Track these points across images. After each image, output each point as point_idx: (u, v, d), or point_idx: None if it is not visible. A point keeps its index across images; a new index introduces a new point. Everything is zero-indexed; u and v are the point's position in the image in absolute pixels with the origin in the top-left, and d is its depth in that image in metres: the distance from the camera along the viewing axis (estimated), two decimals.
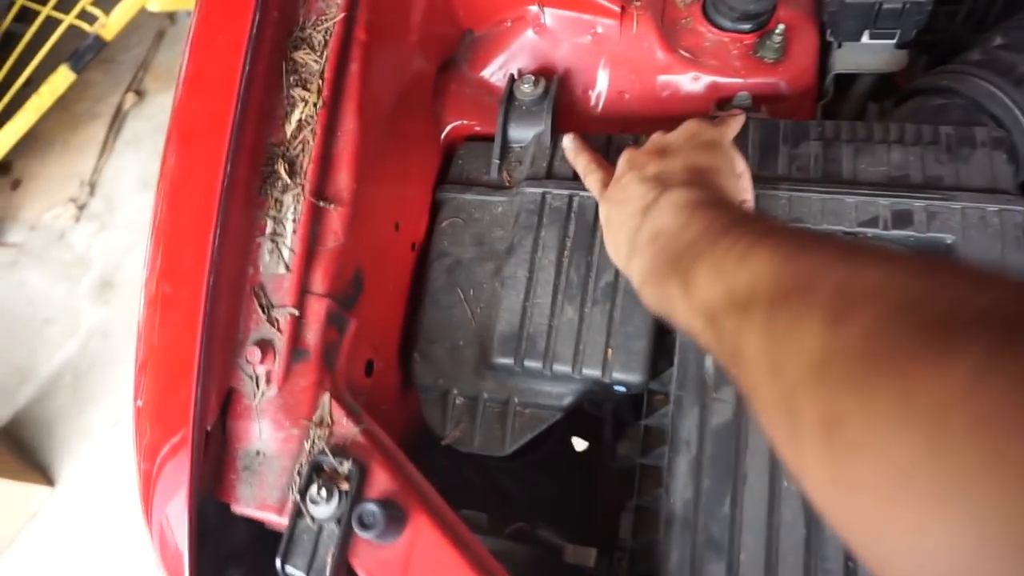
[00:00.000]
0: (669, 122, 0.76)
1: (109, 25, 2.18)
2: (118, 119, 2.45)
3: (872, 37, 0.78)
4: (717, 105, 0.79)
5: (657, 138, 0.64)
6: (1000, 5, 0.93)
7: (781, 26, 0.79)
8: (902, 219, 0.63)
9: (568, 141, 0.72)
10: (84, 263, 2.22)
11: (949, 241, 0.62)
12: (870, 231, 0.64)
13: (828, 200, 0.65)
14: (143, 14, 2.22)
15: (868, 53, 0.80)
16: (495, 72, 0.83)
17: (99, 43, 2.17)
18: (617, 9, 0.78)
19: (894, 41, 0.79)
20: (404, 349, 0.73)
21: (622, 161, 0.63)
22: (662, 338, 0.66)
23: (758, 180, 0.67)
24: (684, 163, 0.58)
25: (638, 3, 0.79)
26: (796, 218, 0.65)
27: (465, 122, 0.81)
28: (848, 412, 0.28)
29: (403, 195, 0.73)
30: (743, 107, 0.77)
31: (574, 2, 0.78)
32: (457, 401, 0.70)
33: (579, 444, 0.94)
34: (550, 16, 0.80)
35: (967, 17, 0.93)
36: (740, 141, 0.70)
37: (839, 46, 0.81)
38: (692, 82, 0.81)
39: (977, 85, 0.69)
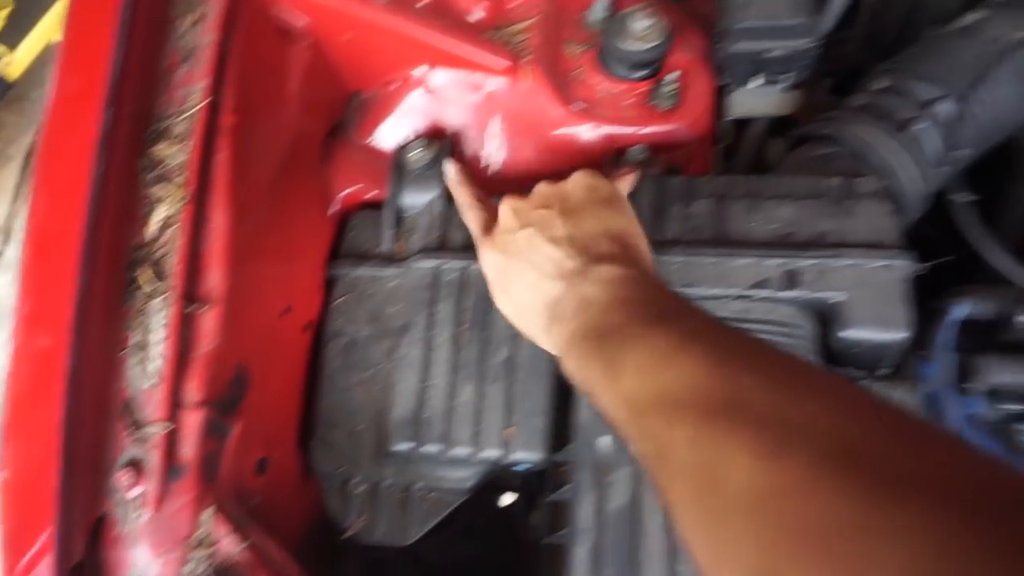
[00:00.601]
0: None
1: (15, 62, 2.09)
2: (32, 161, 2.35)
3: (759, 83, 0.78)
4: (614, 157, 0.78)
5: (547, 189, 0.62)
6: (894, 33, 0.94)
7: (673, 74, 0.78)
8: (792, 279, 0.63)
9: (451, 170, 0.71)
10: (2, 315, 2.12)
11: (838, 300, 0.62)
12: (762, 293, 0.63)
13: (720, 263, 0.64)
14: (53, 48, 2.14)
15: (761, 97, 0.80)
16: (386, 135, 0.80)
17: (4, 84, 2.08)
18: (506, 65, 0.76)
19: (786, 84, 0.79)
20: (304, 436, 0.71)
21: (507, 209, 0.61)
22: (563, 411, 0.64)
23: (652, 244, 0.66)
24: (600, 227, 0.56)
25: (527, 58, 0.77)
26: (689, 283, 0.64)
27: (359, 188, 0.79)
28: (784, 569, 0.27)
29: (291, 276, 0.70)
30: (638, 161, 0.76)
31: (461, 61, 0.76)
32: (358, 489, 0.68)
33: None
34: (438, 76, 0.77)
35: (864, 45, 0.94)
36: (634, 202, 0.69)
37: (732, 91, 0.81)
38: (588, 134, 0.79)
39: (858, 134, 0.69)
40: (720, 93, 0.82)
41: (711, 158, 0.82)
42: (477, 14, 0.78)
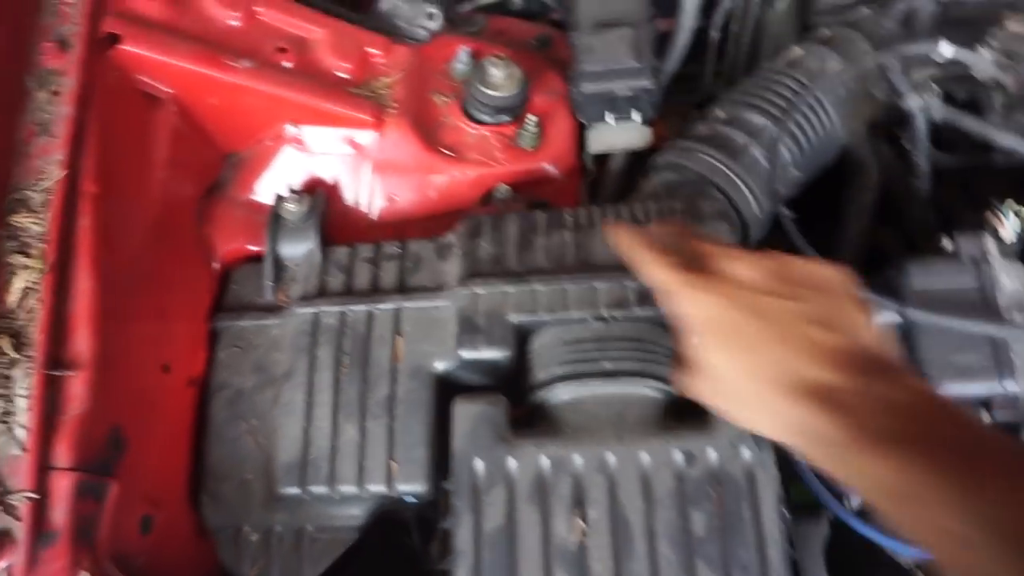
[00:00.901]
0: (444, 220, 0.80)
1: None
2: None
3: (616, 119, 0.84)
4: (482, 199, 0.82)
5: (799, 268, 0.52)
6: (743, 67, 1.03)
7: (532, 117, 0.83)
8: (646, 298, 0.68)
9: (617, 235, 0.62)
10: None
11: None
12: (619, 313, 0.68)
13: (583, 288, 0.69)
14: None
15: (616, 132, 0.86)
16: (264, 191, 0.82)
17: None
18: (371, 119, 0.80)
19: (639, 120, 0.85)
20: (194, 491, 0.71)
21: (762, 266, 0.52)
22: (443, 442, 0.67)
23: (515, 276, 0.70)
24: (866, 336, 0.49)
25: (393, 109, 0.81)
26: (554, 309, 0.68)
27: (240, 243, 0.80)
28: None
29: (170, 334, 0.71)
30: (503, 199, 0.81)
31: (327, 117, 0.79)
32: (252, 538, 0.69)
33: None
34: (307, 133, 0.81)
35: (717, 78, 1.02)
36: (500, 234, 0.73)
37: (591, 128, 0.87)
38: (459, 177, 0.84)
39: (701, 160, 0.76)
40: (581, 130, 0.88)
41: (578, 192, 0.87)
42: (343, 72, 0.82)
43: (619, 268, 0.70)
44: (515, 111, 0.85)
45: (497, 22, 0.99)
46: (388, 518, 0.72)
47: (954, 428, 0.41)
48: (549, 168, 0.86)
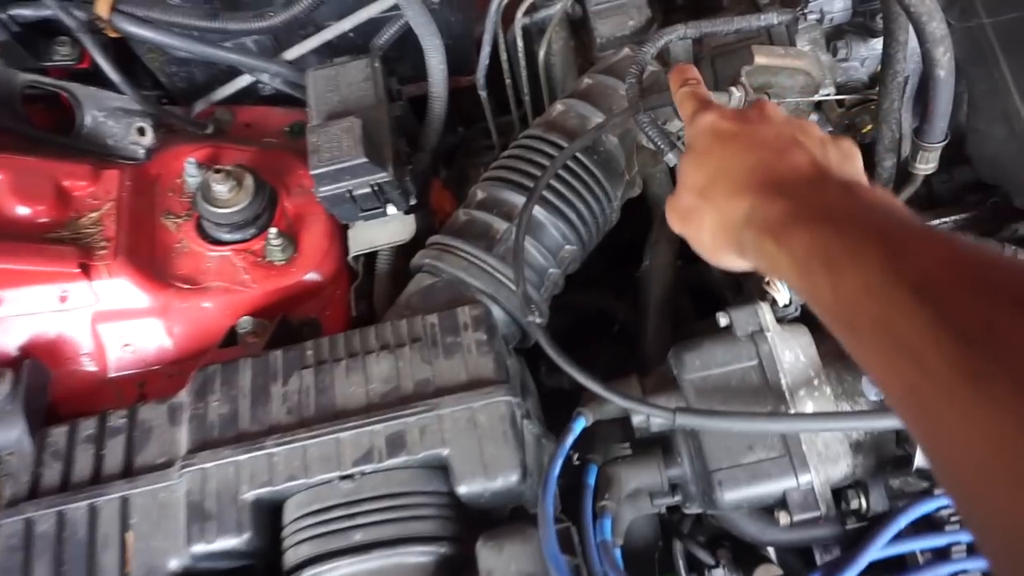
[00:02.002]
0: (193, 363, 0.69)
1: None
2: None
3: (365, 218, 0.74)
4: (224, 338, 0.71)
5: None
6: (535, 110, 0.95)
7: (272, 229, 0.73)
8: (396, 444, 0.58)
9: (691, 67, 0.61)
10: None
11: (445, 454, 0.58)
12: (368, 468, 0.58)
13: (324, 443, 0.59)
14: None
15: (374, 229, 0.77)
16: None
17: None
18: (74, 268, 0.68)
19: (396, 212, 0.76)
20: None
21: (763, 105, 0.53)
22: None
23: (249, 439, 0.60)
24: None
25: (103, 249, 0.70)
26: (293, 476, 0.58)
27: None
28: None
29: None
30: (246, 333, 0.70)
31: (21, 277, 0.67)
32: None
33: None
34: (7, 296, 0.68)
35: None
36: (232, 388, 0.63)
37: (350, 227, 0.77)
38: (202, 310, 0.73)
39: (457, 259, 0.67)
40: (344, 231, 0.79)
41: (346, 300, 0.78)
42: (36, 216, 0.70)
43: (365, 411, 0.60)
44: (258, 223, 0.75)
45: (245, 113, 0.88)
46: None
47: (884, 210, 0.40)
48: (311, 278, 0.76)
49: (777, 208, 0.43)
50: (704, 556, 0.69)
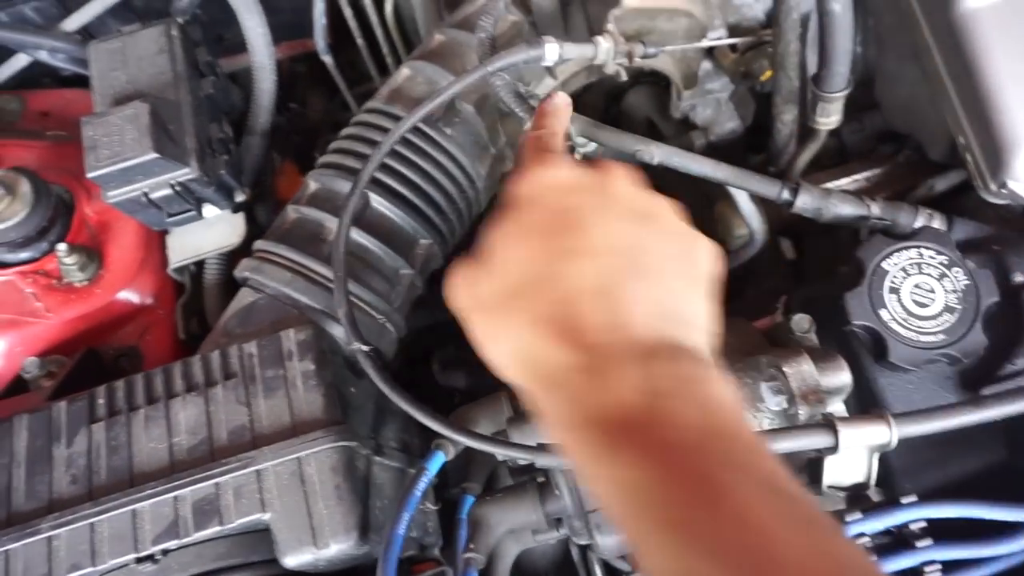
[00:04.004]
0: None
1: None
2: None
3: (177, 223, 0.61)
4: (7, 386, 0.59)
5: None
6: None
7: (62, 246, 0.60)
8: (206, 513, 0.47)
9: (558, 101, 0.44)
10: None
11: (265, 518, 0.47)
12: (173, 544, 0.47)
13: (113, 520, 0.47)
14: None
15: (199, 233, 0.64)
16: None
17: None
18: None
19: (219, 212, 0.63)
20: None
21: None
22: None
23: (24, 520, 0.48)
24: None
25: None
26: (74, 564, 0.47)
27: None
28: None
29: None
30: (34, 378, 0.57)
31: None
32: None
33: None
34: None
35: None
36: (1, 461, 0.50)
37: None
38: None
39: (278, 271, 0.55)
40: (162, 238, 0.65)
41: (171, 321, 0.65)
42: None
43: (168, 472, 0.49)
44: (49, 237, 0.61)
45: (39, 99, 0.73)
46: None
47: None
48: (124, 299, 0.63)
49: (587, 403, 0.31)
50: (621, 564, 0.61)
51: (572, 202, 0.36)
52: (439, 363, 0.90)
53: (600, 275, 0.34)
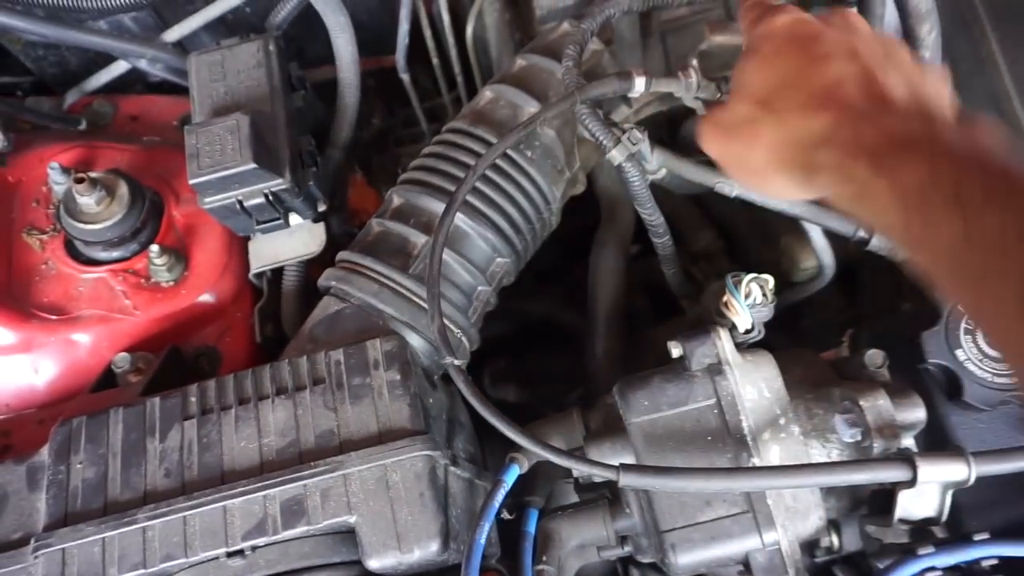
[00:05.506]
0: (62, 409, 0.59)
1: None
2: None
3: (265, 230, 0.64)
4: (97, 380, 0.61)
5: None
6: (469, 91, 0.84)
7: (154, 247, 0.62)
8: (294, 512, 0.49)
9: None
10: None
11: (351, 522, 0.49)
12: (261, 541, 0.49)
13: (205, 515, 0.49)
14: None
15: (279, 240, 0.66)
16: None
17: None
18: None
19: (300, 223, 0.65)
20: None
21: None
22: None
23: (120, 510, 0.50)
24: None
25: None
26: (168, 554, 0.49)
27: None
28: None
29: None
30: (124, 373, 0.60)
31: None
32: None
33: None
34: None
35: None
36: (96, 452, 0.52)
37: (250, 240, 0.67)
38: (73, 344, 0.62)
39: (365, 282, 0.57)
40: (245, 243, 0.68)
41: (249, 324, 0.67)
42: None
43: (257, 471, 0.51)
44: (140, 238, 0.64)
45: (131, 104, 0.76)
46: None
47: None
48: (206, 300, 0.65)
49: (876, 130, 0.37)
50: None
51: (812, 28, 0.43)
52: (490, 375, 0.92)
53: (856, 71, 0.40)
